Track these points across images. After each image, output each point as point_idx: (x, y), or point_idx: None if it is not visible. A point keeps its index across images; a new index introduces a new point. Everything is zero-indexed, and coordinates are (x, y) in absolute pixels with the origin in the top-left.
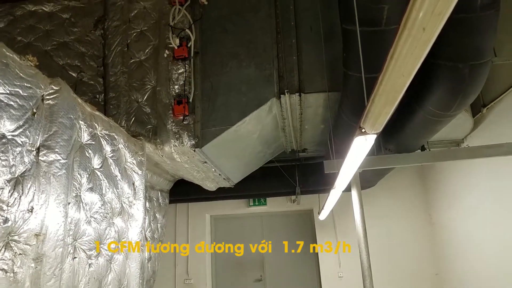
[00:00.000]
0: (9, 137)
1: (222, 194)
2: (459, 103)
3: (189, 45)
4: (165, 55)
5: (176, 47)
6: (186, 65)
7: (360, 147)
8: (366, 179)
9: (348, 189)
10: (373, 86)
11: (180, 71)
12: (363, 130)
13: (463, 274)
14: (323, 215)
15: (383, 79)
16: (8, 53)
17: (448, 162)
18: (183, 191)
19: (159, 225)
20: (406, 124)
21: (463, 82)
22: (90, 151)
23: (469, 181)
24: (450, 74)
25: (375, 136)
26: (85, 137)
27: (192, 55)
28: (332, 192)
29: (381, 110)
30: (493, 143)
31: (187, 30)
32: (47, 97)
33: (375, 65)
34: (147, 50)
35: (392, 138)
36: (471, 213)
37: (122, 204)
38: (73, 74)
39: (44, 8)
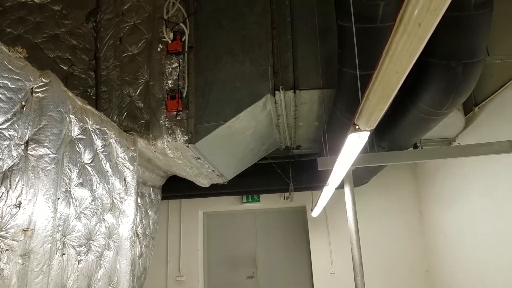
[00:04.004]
0: None
1: (215, 190)
2: (452, 101)
3: (183, 40)
4: (159, 49)
5: (170, 41)
6: (180, 60)
7: (354, 144)
8: (359, 176)
9: (341, 186)
10: (368, 83)
11: (173, 65)
12: (357, 127)
13: (453, 271)
14: (316, 212)
15: (377, 76)
16: None
17: (440, 160)
18: (175, 187)
19: (151, 221)
20: (399, 122)
21: (456, 81)
22: (80, 146)
23: (460, 179)
24: (443, 73)
25: (368, 133)
26: (75, 131)
27: (186, 49)
28: (325, 189)
29: (375, 107)
30: (485, 142)
31: (181, 24)
32: (37, 90)
33: (370, 62)
34: (140, 44)
35: (385, 135)
36: (461, 210)
37: (113, 200)
38: (64, 67)
39: (34, 0)
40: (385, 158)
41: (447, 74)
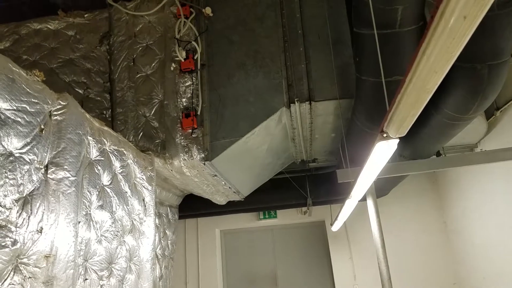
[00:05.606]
0: (17, 154)
1: (231, 207)
2: (478, 105)
3: (195, 58)
4: (172, 68)
5: (182, 60)
6: (193, 78)
7: (382, 153)
8: (379, 187)
9: (361, 199)
10: (399, 87)
11: (187, 83)
12: (384, 135)
13: (482, 283)
14: (336, 226)
15: (412, 78)
16: (14, 68)
17: (462, 167)
18: (192, 206)
19: (169, 242)
20: (421, 129)
21: (482, 83)
22: (99, 167)
23: (484, 185)
24: (468, 76)
25: (397, 141)
26: (94, 153)
27: (198, 67)
28: (348, 202)
29: (408, 112)
30: (508, 146)
31: (193, 43)
32: (55, 112)
33: (389, 68)
34: (153, 64)
35: (407, 144)
36: (487, 218)
37: (132, 221)
38: (80, 91)
39: (49, 26)
40: (408, 167)
41: (472, 77)
